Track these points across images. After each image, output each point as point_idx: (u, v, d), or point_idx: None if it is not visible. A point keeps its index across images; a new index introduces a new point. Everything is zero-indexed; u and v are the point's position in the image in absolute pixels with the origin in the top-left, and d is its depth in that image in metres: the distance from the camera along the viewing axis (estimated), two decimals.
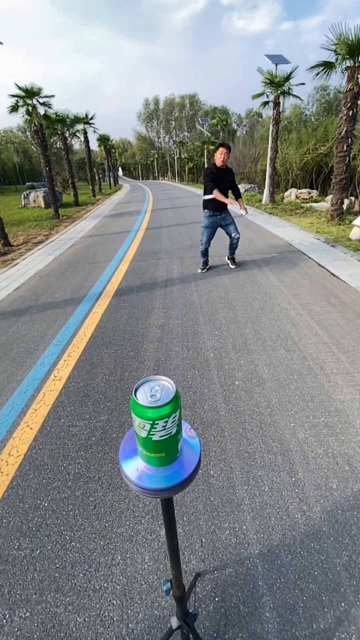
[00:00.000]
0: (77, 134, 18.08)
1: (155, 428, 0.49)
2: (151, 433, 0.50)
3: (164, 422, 0.49)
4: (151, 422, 0.49)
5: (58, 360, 2.62)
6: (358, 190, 12.53)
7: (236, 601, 1.15)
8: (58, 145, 20.73)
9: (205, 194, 4.18)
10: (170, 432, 0.51)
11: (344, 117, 6.96)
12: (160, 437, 0.50)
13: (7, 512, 1.48)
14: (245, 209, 4.30)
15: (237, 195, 4.32)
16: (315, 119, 27.08)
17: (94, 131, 19.73)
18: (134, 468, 0.55)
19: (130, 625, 1.10)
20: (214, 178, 4.00)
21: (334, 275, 4.20)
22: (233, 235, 4.38)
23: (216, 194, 4.01)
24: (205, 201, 4.21)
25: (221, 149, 3.94)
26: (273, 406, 2.03)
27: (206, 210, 4.27)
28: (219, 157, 3.96)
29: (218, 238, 4.50)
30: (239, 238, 4.45)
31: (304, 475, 1.58)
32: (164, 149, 66.50)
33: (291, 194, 12.63)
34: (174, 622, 0.86)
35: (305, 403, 2.04)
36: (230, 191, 4.26)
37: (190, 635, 0.88)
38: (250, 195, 13.73)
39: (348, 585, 1.17)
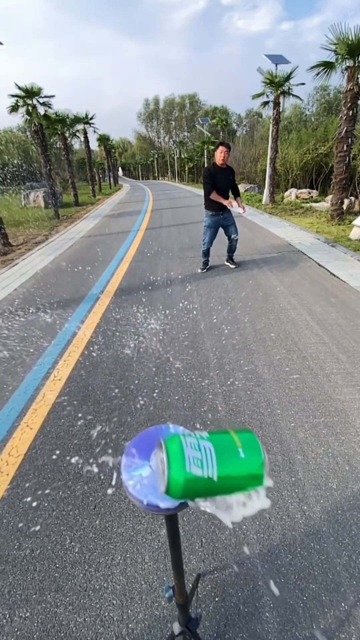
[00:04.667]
0: (77, 134, 18.08)
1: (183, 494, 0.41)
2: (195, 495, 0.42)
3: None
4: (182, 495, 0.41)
5: (58, 360, 2.62)
6: (358, 190, 12.53)
7: (236, 601, 1.15)
8: (58, 145, 20.71)
9: (205, 194, 4.20)
10: (202, 473, 0.41)
11: (344, 117, 6.96)
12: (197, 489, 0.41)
13: (7, 512, 1.48)
14: (243, 207, 4.33)
15: (236, 194, 4.34)
16: (315, 119, 27.08)
17: (94, 131, 19.74)
18: (135, 482, 0.51)
19: (130, 625, 1.10)
20: (213, 178, 4.02)
21: (334, 275, 4.20)
22: (232, 236, 4.40)
23: (214, 196, 4.05)
24: (207, 202, 4.22)
25: (221, 148, 3.95)
26: (273, 406, 2.03)
27: (208, 210, 4.28)
28: (219, 156, 3.97)
29: (218, 237, 4.50)
30: (237, 240, 4.48)
31: (304, 475, 1.58)
32: (164, 149, 66.50)
33: (291, 194, 12.63)
34: (176, 627, 0.85)
35: (305, 403, 2.04)
36: (230, 190, 4.27)
37: None
38: (250, 195, 13.73)
39: (348, 585, 1.17)
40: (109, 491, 1.54)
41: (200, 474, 0.40)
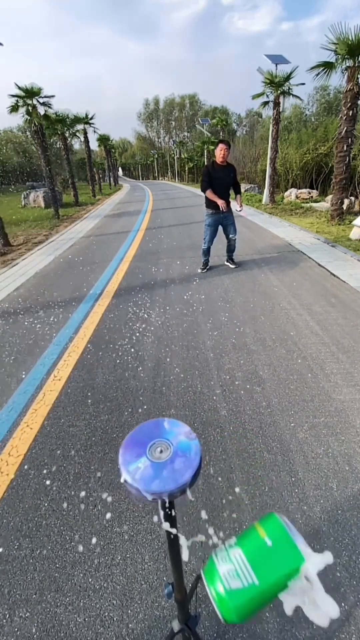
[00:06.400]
0: (77, 134, 18.06)
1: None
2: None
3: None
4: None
5: (58, 360, 2.62)
6: (358, 190, 12.52)
7: None
8: (58, 146, 20.72)
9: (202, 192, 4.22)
10: (245, 583, 0.38)
11: (344, 117, 6.96)
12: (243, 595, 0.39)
13: (7, 512, 1.48)
14: (242, 205, 4.34)
15: (237, 192, 4.35)
16: (315, 119, 27.07)
17: (94, 131, 19.71)
18: (133, 472, 0.52)
19: (130, 625, 1.10)
20: (212, 176, 4.03)
21: (334, 275, 4.20)
22: (231, 236, 4.42)
23: (208, 194, 4.07)
24: (207, 200, 4.23)
25: (220, 145, 3.96)
26: (273, 406, 2.03)
27: (208, 209, 4.29)
28: (218, 154, 3.98)
29: (218, 237, 4.50)
30: (236, 239, 4.49)
31: (304, 475, 1.58)
32: (164, 149, 66.49)
33: (291, 194, 12.63)
34: (176, 625, 0.85)
35: (305, 403, 2.04)
36: (231, 188, 4.28)
37: (192, 638, 0.87)
38: (250, 195, 13.72)
39: (348, 585, 1.17)
40: (109, 492, 1.54)
41: (241, 585, 0.38)
